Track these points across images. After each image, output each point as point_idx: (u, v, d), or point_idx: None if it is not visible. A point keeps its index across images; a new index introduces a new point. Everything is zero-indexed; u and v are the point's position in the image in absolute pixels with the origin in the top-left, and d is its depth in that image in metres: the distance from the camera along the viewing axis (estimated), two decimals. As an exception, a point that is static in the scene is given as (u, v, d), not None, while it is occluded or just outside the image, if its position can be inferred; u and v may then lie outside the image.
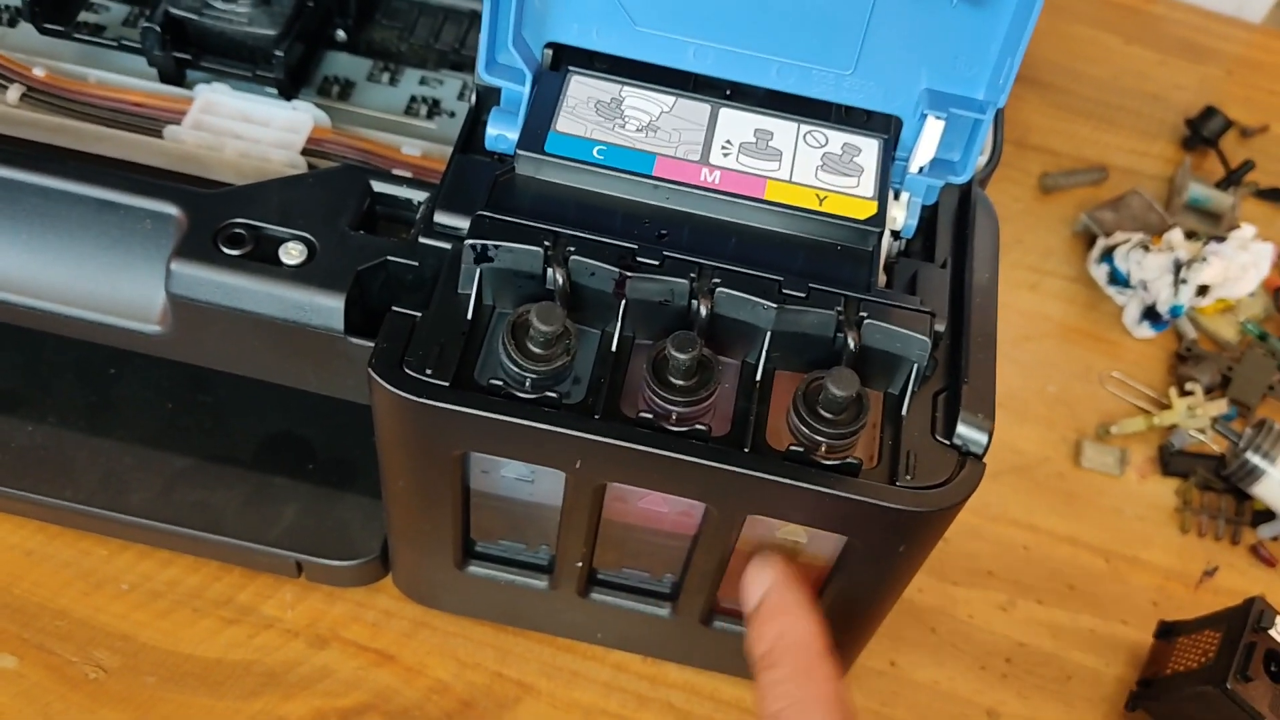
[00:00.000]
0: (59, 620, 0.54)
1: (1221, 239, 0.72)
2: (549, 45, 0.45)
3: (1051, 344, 0.72)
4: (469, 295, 0.41)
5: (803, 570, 0.46)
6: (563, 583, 0.50)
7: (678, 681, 0.56)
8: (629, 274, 0.40)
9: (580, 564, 0.48)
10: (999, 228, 0.48)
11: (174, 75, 0.53)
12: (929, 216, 0.47)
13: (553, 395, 0.39)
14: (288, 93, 0.54)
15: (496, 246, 0.41)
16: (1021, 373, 0.70)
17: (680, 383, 0.40)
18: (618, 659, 0.56)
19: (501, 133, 0.45)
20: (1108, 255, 0.74)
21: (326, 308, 0.44)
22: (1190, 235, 0.73)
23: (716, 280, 0.41)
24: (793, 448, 0.40)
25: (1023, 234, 0.77)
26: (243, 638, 0.54)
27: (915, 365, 0.41)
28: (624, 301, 0.41)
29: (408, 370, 0.40)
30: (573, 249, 0.41)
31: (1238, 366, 0.70)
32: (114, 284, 0.47)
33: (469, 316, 0.41)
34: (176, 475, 0.55)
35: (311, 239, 0.45)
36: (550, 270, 0.40)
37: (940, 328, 0.43)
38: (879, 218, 0.43)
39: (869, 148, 0.45)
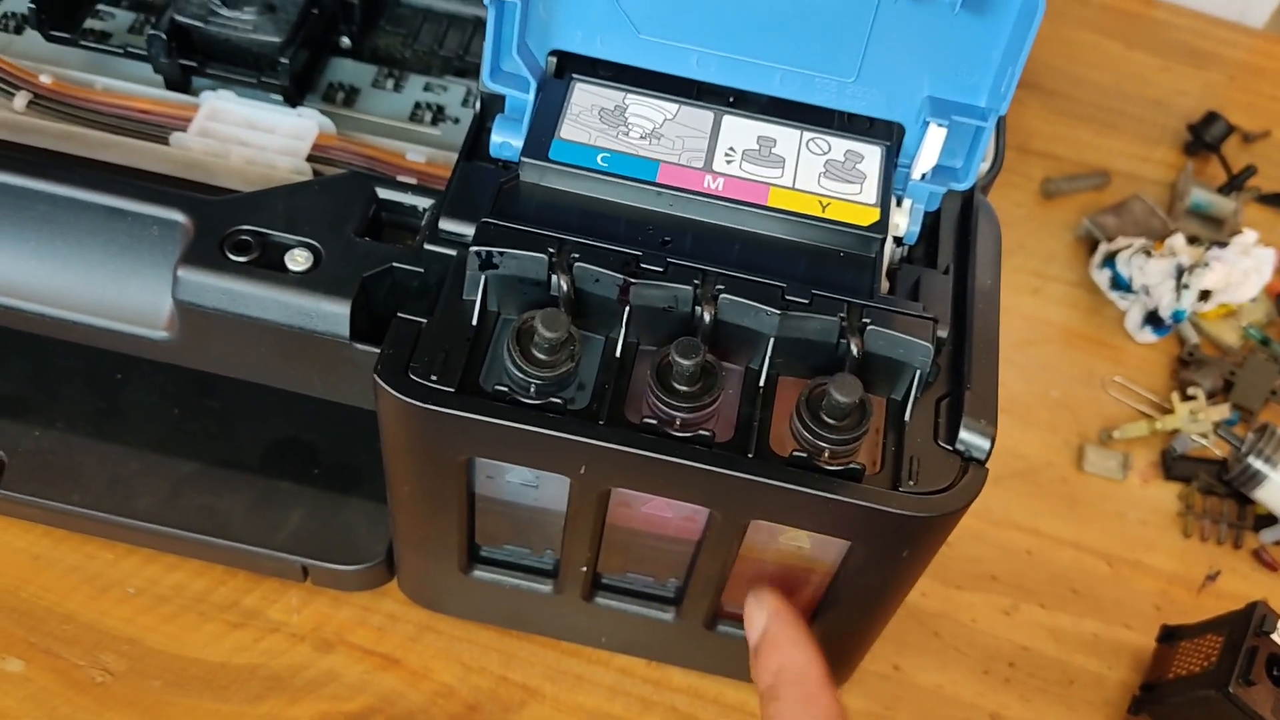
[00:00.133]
0: (65, 624, 0.54)
1: (1223, 244, 0.72)
2: (553, 53, 0.46)
3: (1054, 349, 0.72)
4: (474, 302, 0.42)
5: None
6: (567, 587, 0.50)
7: (682, 685, 0.56)
8: (633, 280, 0.41)
9: (585, 568, 0.48)
10: (1001, 233, 0.49)
11: (180, 82, 0.54)
12: (931, 223, 0.48)
13: (557, 401, 0.40)
14: (293, 99, 0.54)
15: (501, 253, 0.41)
16: (1024, 378, 0.70)
17: (684, 389, 0.40)
18: (622, 663, 0.56)
19: (506, 140, 0.45)
20: (1110, 260, 0.74)
21: (332, 314, 0.44)
22: (1192, 240, 0.74)
23: (720, 287, 0.41)
24: (796, 453, 0.40)
25: (1025, 239, 0.77)
26: (248, 642, 0.54)
27: (918, 371, 0.42)
28: (628, 308, 0.41)
29: (413, 376, 0.40)
30: (577, 256, 0.41)
31: (1240, 371, 0.70)
32: (121, 290, 0.47)
33: (474, 323, 0.42)
34: (183, 480, 0.55)
35: (317, 246, 0.45)
36: (555, 277, 0.41)
37: (943, 333, 0.43)
38: (881, 224, 0.43)
39: (871, 155, 0.45)
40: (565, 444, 0.40)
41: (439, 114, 0.56)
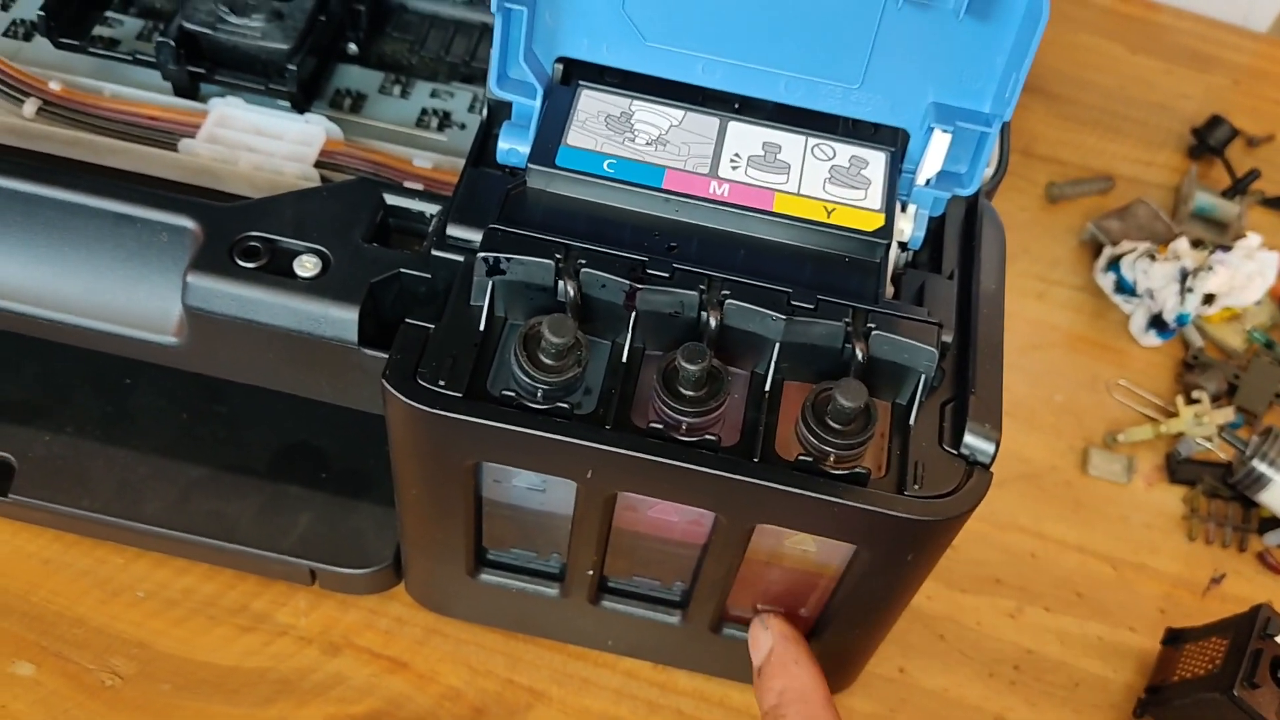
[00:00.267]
0: (76, 628, 0.54)
1: (1228, 248, 0.72)
2: (560, 60, 0.46)
3: (1058, 353, 0.72)
4: (481, 307, 0.42)
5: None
6: (574, 590, 0.50)
7: (688, 689, 0.56)
8: (639, 286, 0.41)
9: (591, 572, 0.49)
10: (1005, 238, 0.49)
11: (188, 89, 0.54)
12: (936, 228, 0.48)
13: (564, 406, 0.40)
14: (300, 106, 0.54)
15: (508, 259, 0.41)
16: (1028, 381, 0.70)
17: (690, 393, 0.40)
18: (628, 666, 0.56)
19: (513, 146, 0.45)
20: (1114, 264, 0.74)
21: (340, 320, 0.44)
22: (1196, 244, 0.74)
23: (726, 292, 0.41)
24: (801, 457, 0.40)
25: (1029, 243, 0.77)
26: (257, 645, 0.55)
27: (923, 376, 0.42)
28: (634, 313, 0.41)
29: (421, 381, 0.40)
30: (584, 261, 0.41)
31: (1244, 374, 0.70)
32: (130, 296, 0.47)
33: (481, 328, 0.42)
34: (192, 484, 0.56)
35: (325, 252, 0.46)
36: (562, 283, 0.41)
37: (947, 338, 0.43)
38: (886, 229, 0.44)
39: (876, 160, 0.46)
40: (572, 448, 0.40)
41: (445, 120, 0.56)
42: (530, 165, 0.44)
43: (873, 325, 0.41)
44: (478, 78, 0.58)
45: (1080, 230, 0.78)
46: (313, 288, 0.45)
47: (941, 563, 0.46)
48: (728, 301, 0.41)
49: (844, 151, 0.46)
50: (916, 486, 0.41)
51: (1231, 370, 0.70)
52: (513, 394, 0.40)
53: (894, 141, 0.46)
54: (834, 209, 0.44)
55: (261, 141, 0.52)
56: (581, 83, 0.46)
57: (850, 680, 0.56)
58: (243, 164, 0.51)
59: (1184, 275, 0.71)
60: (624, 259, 0.41)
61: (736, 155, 0.45)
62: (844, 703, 0.57)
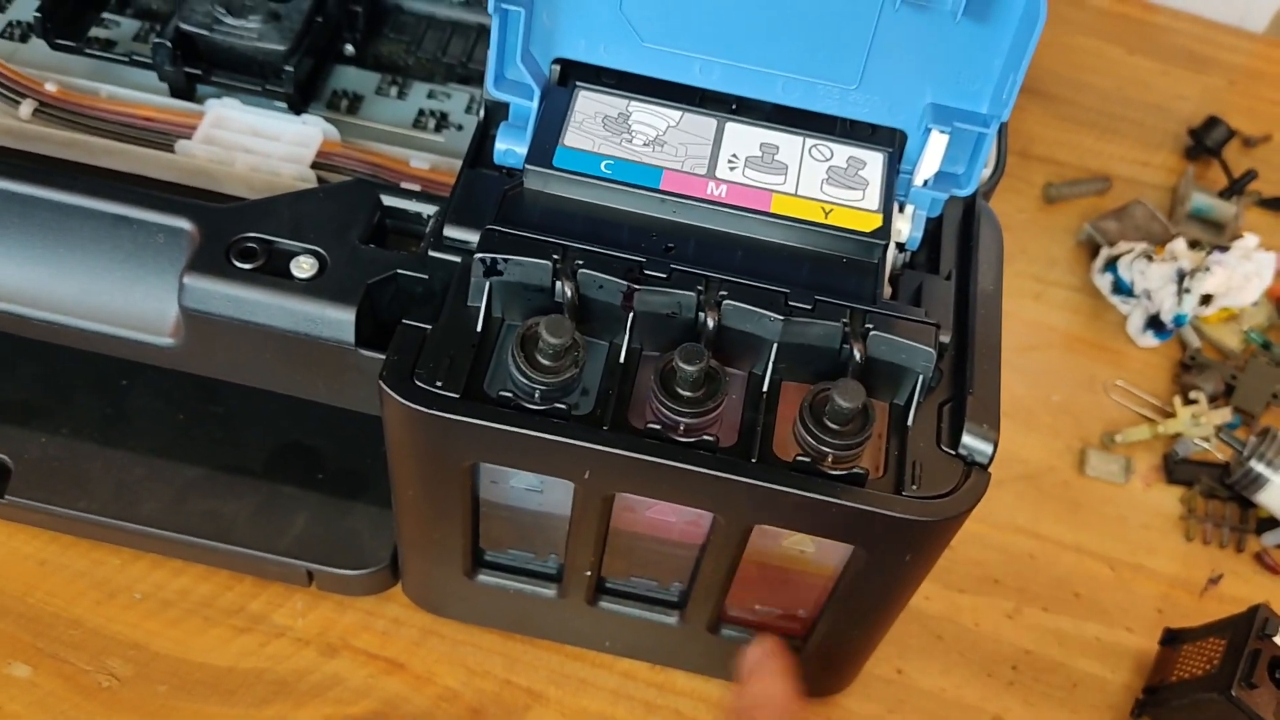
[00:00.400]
0: (72, 629, 0.54)
1: (1224, 248, 0.72)
2: (557, 61, 0.46)
3: (1056, 353, 0.72)
4: (478, 308, 0.42)
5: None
6: (571, 591, 0.50)
7: (685, 689, 0.56)
8: (637, 287, 0.41)
9: (589, 573, 0.49)
10: (1003, 239, 0.49)
11: (185, 90, 0.54)
12: (933, 229, 0.48)
13: (561, 406, 0.40)
14: (297, 107, 0.54)
15: (506, 260, 0.41)
16: (1026, 382, 0.70)
17: (688, 394, 0.40)
18: (626, 667, 0.56)
19: (510, 147, 0.45)
20: (1111, 265, 0.74)
21: (337, 320, 0.44)
22: (1193, 245, 0.74)
23: (723, 293, 0.41)
24: (799, 458, 0.40)
25: (1027, 244, 0.77)
26: (254, 646, 0.55)
27: (920, 376, 0.42)
28: (632, 314, 0.41)
29: (418, 382, 0.40)
30: (581, 262, 0.41)
31: (1241, 375, 0.70)
32: (127, 297, 0.47)
33: (479, 329, 0.42)
34: (188, 485, 0.55)
35: (322, 253, 0.45)
36: (559, 283, 0.41)
37: (945, 339, 0.43)
38: (884, 230, 0.44)
39: (874, 161, 0.46)
40: (569, 449, 0.40)
41: (442, 121, 0.56)
42: (527, 166, 0.44)
43: (870, 326, 0.41)
44: (474, 79, 0.58)
45: (1077, 231, 0.78)
46: (310, 289, 0.45)
47: (939, 563, 0.46)
48: (725, 302, 0.41)
49: (841, 152, 0.46)
50: (915, 487, 0.41)
51: (1229, 371, 0.70)
52: (510, 395, 0.40)
53: (891, 142, 0.47)
54: (831, 210, 0.44)
55: (258, 143, 0.52)
56: (579, 84, 0.46)
57: (848, 681, 0.56)
58: (239, 165, 0.51)
59: (1181, 276, 0.71)
60: (621, 260, 0.41)
61: (734, 156, 0.45)
62: (842, 703, 0.57)
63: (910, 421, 0.42)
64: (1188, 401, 0.69)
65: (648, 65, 0.45)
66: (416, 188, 0.50)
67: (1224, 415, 0.68)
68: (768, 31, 0.44)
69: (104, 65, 0.55)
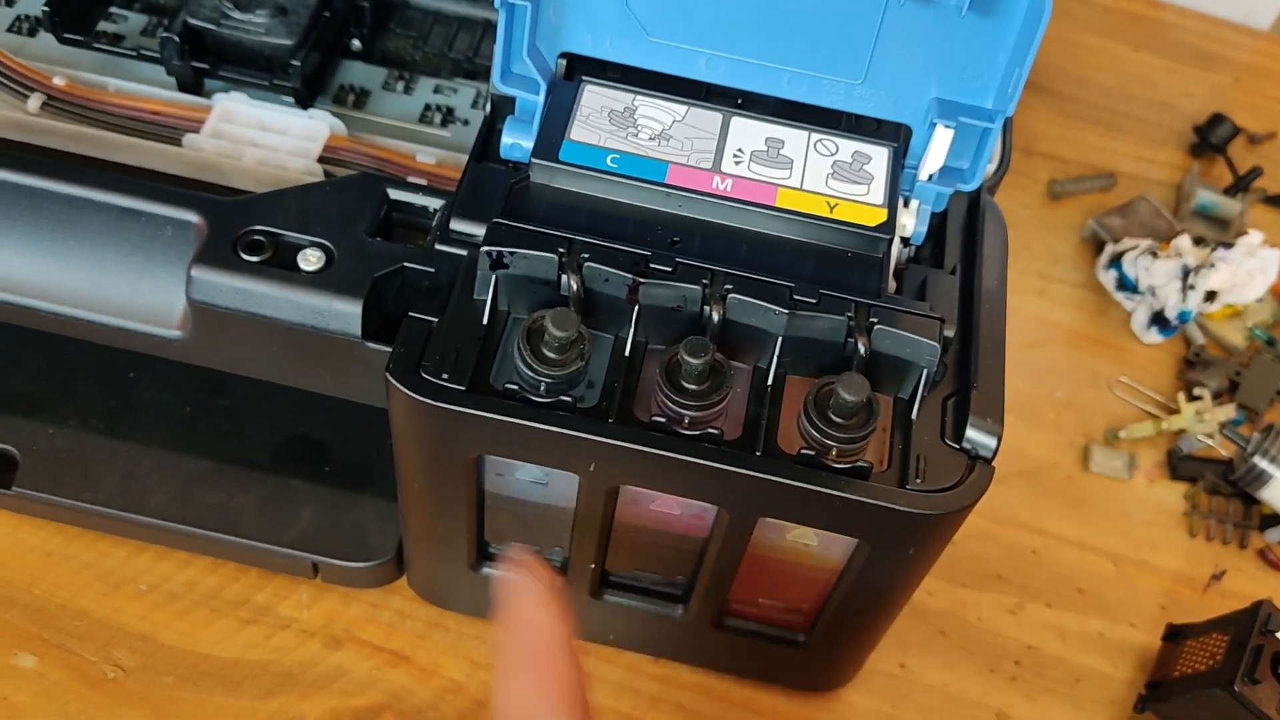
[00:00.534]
0: (78, 620, 0.54)
1: (1229, 245, 0.73)
2: (563, 55, 0.46)
3: (1060, 349, 0.72)
4: (485, 301, 0.42)
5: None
6: (575, 584, 0.50)
7: (689, 683, 0.56)
8: (642, 280, 0.41)
9: (593, 566, 0.49)
10: (1008, 234, 0.49)
11: (192, 84, 0.54)
12: (938, 223, 0.48)
13: (567, 399, 0.40)
14: (304, 101, 0.54)
15: (512, 253, 0.41)
16: (1030, 378, 0.70)
17: (693, 387, 0.40)
18: (629, 660, 0.56)
19: (516, 141, 0.45)
20: (1116, 261, 0.74)
21: (344, 313, 0.45)
22: (1198, 241, 0.74)
23: (728, 286, 0.41)
24: (804, 451, 0.40)
25: (1031, 240, 0.77)
26: (259, 638, 0.55)
27: (925, 370, 0.42)
28: (637, 307, 0.42)
29: (425, 375, 0.41)
30: (587, 256, 0.41)
31: (1245, 372, 0.70)
32: (135, 290, 0.47)
33: (485, 322, 0.42)
34: (195, 477, 0.56)
35: (329, 246, 0.46)
36: (565, 276, 0.41)
37: (949, 333, 0.43)
38: (889, 225, 0.44)
39: (879, 156, 0.46)
40: (575, 442, 0.40)
41: (449, 116, 0.56)
42: (534, 160, 0.44)
43: (875, 320, 0.41)
44: (480, 74, 0.58)
45: (1082, 227, 0.78)
46: (317, 281, 0.45)
47: (942, 558, 0.46)
48: (730, 296, 0.41)
49: (847, 147, 0.46)
50: (918, 480, 0.41)
51: (1233, 367, 0.70)
52: (516, 387, 0.40)
53: (896, 137, 0.47)
54: (836, 204, 0.44)
55: (265, 137, 0.52)
56: (585, 78, 0.46)
57: (851, 675, 0.56)
58: (247, 159, 0.51)
59: (1186, 272, 0.71)
60: (627, 253, 0.42)
61: (739, 150, 0.45)
62: (844, 697, 0.57)
63: (914, 415, 0.43)
64: (1192, 398, 0.69)
65: (653, 60, 0.45)
66: (423, 182, 0.50)
67: (1228, 412, 0.68)
68: (773, 26, 0.44)
69: (112, 59, 0.55)
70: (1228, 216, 0.78)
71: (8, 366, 0.58)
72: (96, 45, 0.55)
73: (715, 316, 0.41)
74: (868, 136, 0.47)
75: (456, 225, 0.44)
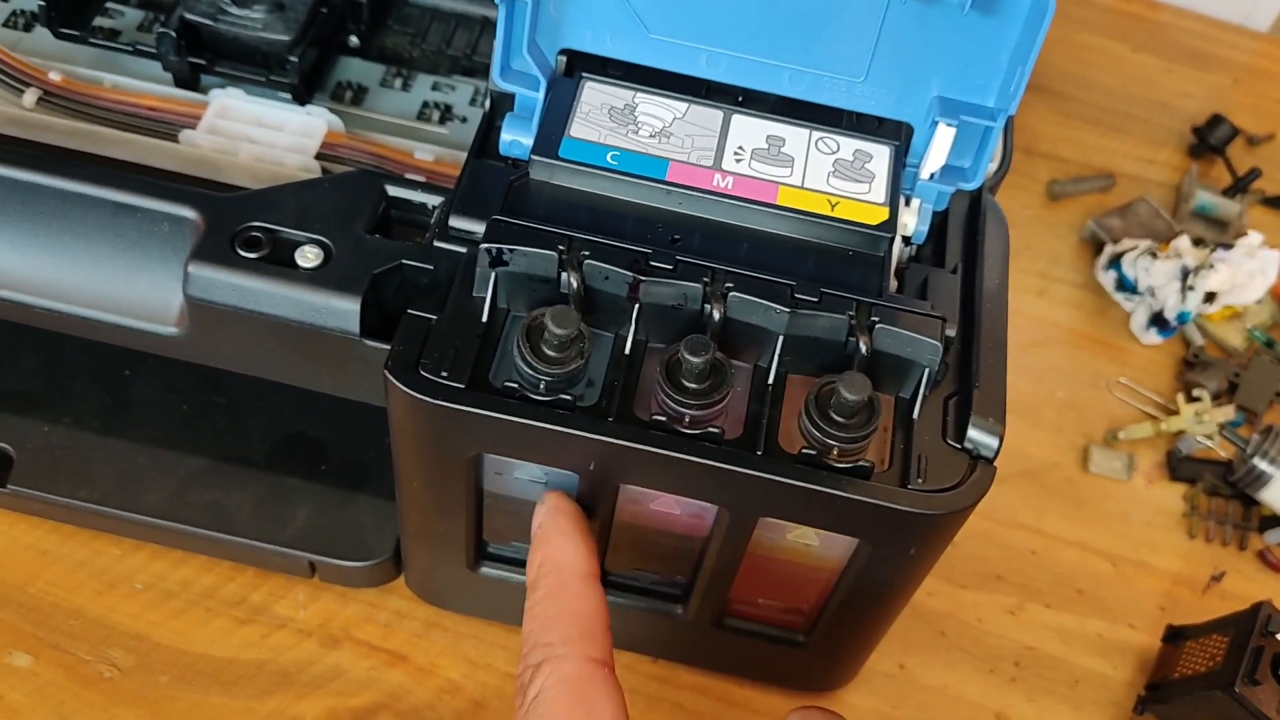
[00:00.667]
0: (73, 619, 0.54)
1: (1229, 246, 0.72)
2: (563, 52, 0.46)
3: (1060, 350, 0.72)
4: (484, 299, 0.42)
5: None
6: (574, 584, 0.50)
7: (688, 683, 0.56)
8: (642, 278, 0.41)
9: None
10: (1009, 233, 0.49)
11: (189, 80, 0.54)
12: (939, 222, 0.48)
13: (567, 398, 0.40)
14: (301, 98, 0.54)
15: (512, 251, 0.41)
16: (1030, 378, 0.70)
17: (693, 386, 0.40)
18: (628, 660, 0.56)
19: (516, 138, 0.45)
20: (1115, 262, 0.74)
21: (342, 310, 0.44)
22: (1197, 242, 0.74)
23: (729, 285, 0.41)
24: (805, 451, 0.40)
25: (1031, 240, 0.77)
26: (256, 637, 0.55)
27: (926, 369, 0.42)
28: (637, 305, 0.41)
29: (423, 372, 0.40)
30: (587, 253, 0.41)
31: (1245, 373, 0.70)
32: (131, 286, 0.47)
33: (484, 319, 0.42)
34: (191, 476, 0.55)
35: (327, 242, 0.45)
36: (565, 274, 0.41)
37: (951, 332, 0.43)
38: (890, 223, 0.44)
39: (880, 154, 0.46)
40: (574, 440, 0.40)
41: (446, 113, 0.56)
42: (533, 157, 0.44)
43: (876, 319, 0.41)
44: (479, 71, 0.58)
45: (1081, 228, 0.78)
46: (314, 278, 0.44)
47: (942, 559, 0.46)
48: (731, 294, 0.41)
49: (848, 145, 0.46)
50: (920, 480, 0.41)
51: (1232, 368, 0.70)
52: (515, 385, 0.40)
53: (898, 135, 0.46)
54: (838, 202, 0.44)
55: (262, 133, 0.52)
56: (585, 75, 0.46)
57: (851, 676, 0.56)
58: (243, 155, 0.51)
59: (1185, 273, 0.71)
60: (627, 251, 0.41)
61: (740, 148, 0.45)
62: (844, 699, 0.56)
63: (916, 415, 0.42)
64: (1191, 399, 0.69)
65: (654, 57, 0.45)
66: (421, 179, 0.50)
67: (1227, 413, 0.68)
68: (775, 23, 0.44)
69: (108, 55, 0.55)
70: (1227, 218, 0.78)
71: (3, 363, 0.58)
72: (93, 40, 0.55)
73: (716, 315, 0.41)
74: (869, 134, 0.46)
75: (455, 222, 0.44)
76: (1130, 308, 0.74)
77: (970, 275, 0.46)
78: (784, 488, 0.40)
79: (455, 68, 0.58)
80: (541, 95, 0.45)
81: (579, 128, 0.44)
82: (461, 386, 0.40)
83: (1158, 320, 0.72)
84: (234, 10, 0.53)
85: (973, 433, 0.42)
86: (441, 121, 0.56)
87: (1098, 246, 0.77)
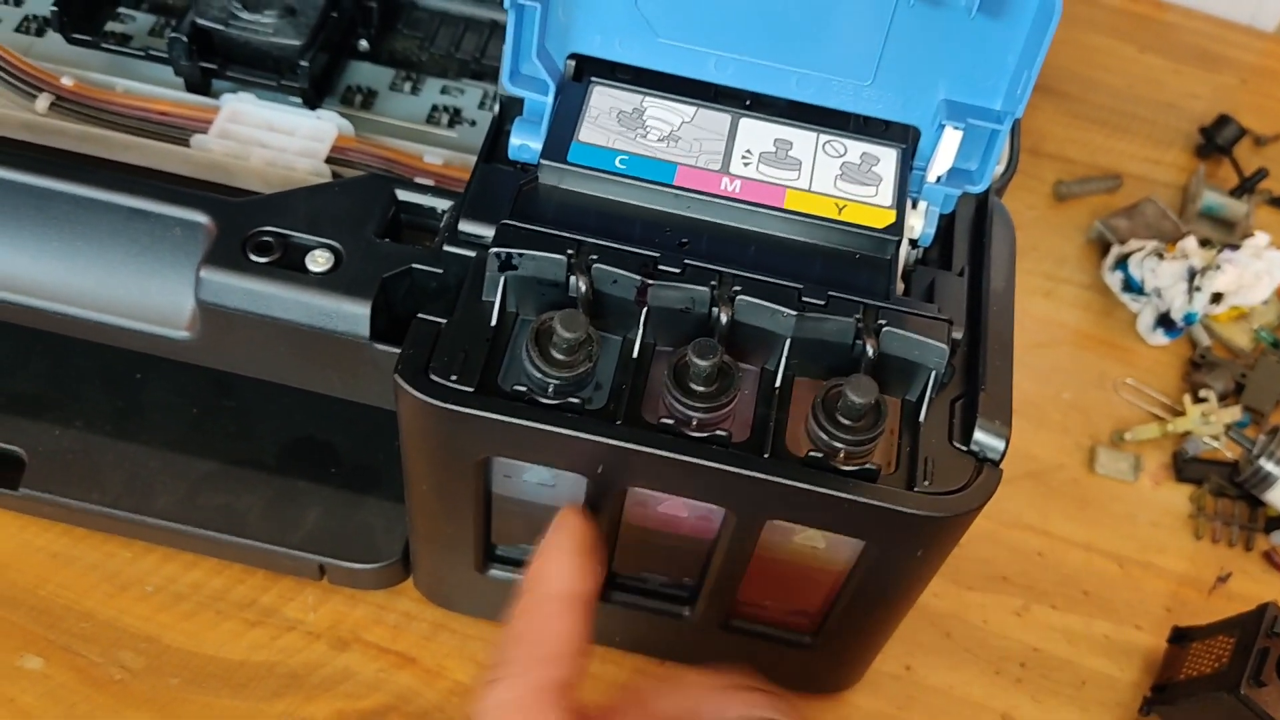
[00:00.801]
0: (84, 622, 0.54)
1: (1235, 247, 0.72)
2: (572, 56, 0.46)
3: (1066, 351, 0.72)
4: (493, 302, 0.42)
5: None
6: (582, 586, 0.50)
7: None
8: (651, 282, 0.41)
9: (600, 568, 0.49)
10: (1015, 236, 0.49)
11: (200, 85, 0.54)
12: (946, 225, 0.48)
13: (575, 401, 0.40)
14: (312, 102, 0.54)
15: (521, 254, 0.41)
16: (1036, 379, 0.70)
17: (701, 389, 0.40)
18: (636, 662, 0.56)
19: (525, 142, 0.45)
20: (1122, 263, 0.74)
21: (353, 314, 0.45)
22: (1204, 243, 0.74)
23: (737, 288, 0.41)
24: (812, 453, 0.40)
25: (1037, 241, 0.77)
26: (265, 640, 0.55)
27: (933, 372, 0.42)
28: (645, 309, 0.42)
29: (433, 376, 0.41)
30: (595, 257, 0.41)
31: (1251, 373, 0.70)
32: (143, 290, 0.47)
33: (493, 323, 0.42)
34: (201, 479, 0.56)
35: (338, 247, 0.46)
36: (573, 278, 0.41)
37: (957, 335, 0.43)
38: (897, 226, 0.44)
39: (887, 157, 0.46)
40: (582, 443, 0.40)
41: (456, 117, 0.56)
42: (542, 161, 0.44)
43: (883, 321, 0.41)
44: (488, 75, 0.58)
45: (1088, 229, 0.78)
46: (325, 282, 0.45)
47: (948, 560, 0.46)
48: (739, 298, 0.41)
49: (855, 148, 0.46)
50: (926, 483, 0.41)
51: (1239, 369, 0.70)
52: (524, 389, 0.40)
53: (905, 138, 0.47)
54: (845, 206, 0.44)
55: (273, 137, 0.52)
56: (594, 79, 0.46)
57: (857, 677, 0.56)
58: (255, 160, 0.51)
59: (1192, 274, 0.71)
60: (635, 255, 0.42)
61: (748, 152, 0.45)
62: (850, 700, 0.57)
63: (922, 417, 0.42)
64: (1197, 400, 0.69)
65: (663, 61, 0.45)
66: (430, 183, 0.50)
67: (1233, 414, 0.68)
68: (782, 27, 0.44)
69: (120, 60, 0.55)
70: (1233, 218, 0.78)
71: (15, 367, 0.58)
72: (104, 45, 0.55)
73: (724, 318, 0.41)
74: (876, 138, 0.46)
75: (465, 226, 0.44)
76: (1137, 308, 0.74)
77: (976, 278, 0.46)
78: (791, 490, 0.40)
79: (464, 71, 0.58)
80: (550, 100, 0.45)
81: (588, 132, 0.45)
82: (471, 390, 0.40)
83: (1164, 321, 0.72)
84: (245, 15, 0.53)
85: (979, 435, 0.42)
86: (451, 125, 0.56)
87: (1104, 247, 0.77)
